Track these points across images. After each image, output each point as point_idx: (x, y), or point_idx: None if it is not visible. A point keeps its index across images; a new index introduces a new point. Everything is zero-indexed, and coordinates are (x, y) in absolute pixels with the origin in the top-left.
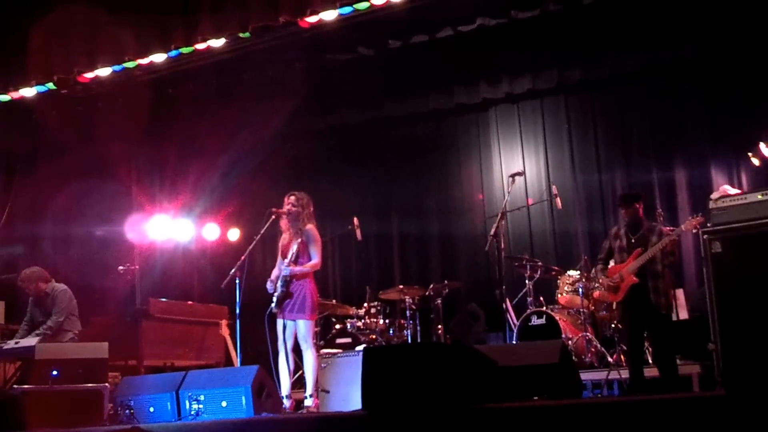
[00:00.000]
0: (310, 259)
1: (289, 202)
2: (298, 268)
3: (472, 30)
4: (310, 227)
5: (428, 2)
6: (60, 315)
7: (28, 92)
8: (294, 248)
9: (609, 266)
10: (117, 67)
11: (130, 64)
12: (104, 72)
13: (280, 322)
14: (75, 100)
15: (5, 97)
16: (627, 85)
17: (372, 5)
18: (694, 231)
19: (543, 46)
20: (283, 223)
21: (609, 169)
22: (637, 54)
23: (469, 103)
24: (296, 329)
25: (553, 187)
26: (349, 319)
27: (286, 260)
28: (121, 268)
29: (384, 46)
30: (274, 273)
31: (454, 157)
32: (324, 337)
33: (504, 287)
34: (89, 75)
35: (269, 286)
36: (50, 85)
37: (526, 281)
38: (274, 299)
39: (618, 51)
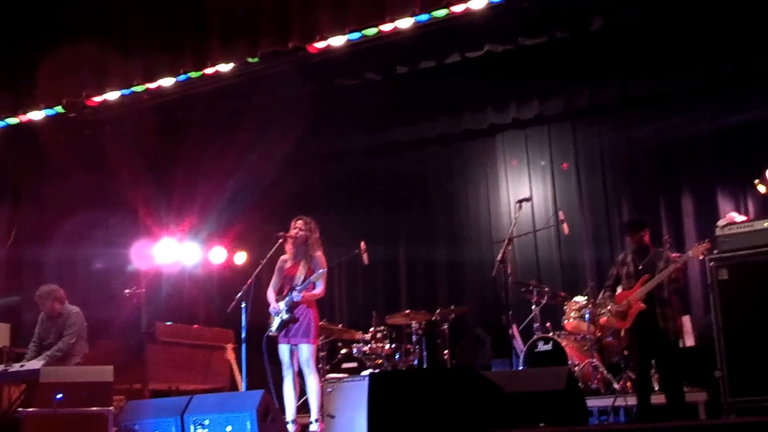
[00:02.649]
0: (315, 287)
1: (296, 226)
2: (308, 295)
3: (479, 56)
4: (319, 255)
5: (436, 28)
6: (71, 337)
7: (37, 115)
8: (302, 275)
9: (616, 293)
10: (126, 91)
11: (138, 88)
12: (113, 96)
13: (283, 348)
14: (83, 124)
15: (14, 120)
16: (634, 111)
17: (380, 31)
18: (701, 257)
19: (550, 72)
20: (288, 246)
21: (616, 194)
22: (644, 80)
23: (477, 129)
24: (299, 353)
25: (560, 213)
26: (355, 344)
27: (297, 287)
28: (127, 291)
29: (392, 71)
30: (271, 294)
31: (460, 182)
32: (330, 361)
33: (510, 313)
34: (98, 99)
35: (273, 309)
36: (59, 109)
37: (533, 307)
38: (276, 323)
39: (625, 77)
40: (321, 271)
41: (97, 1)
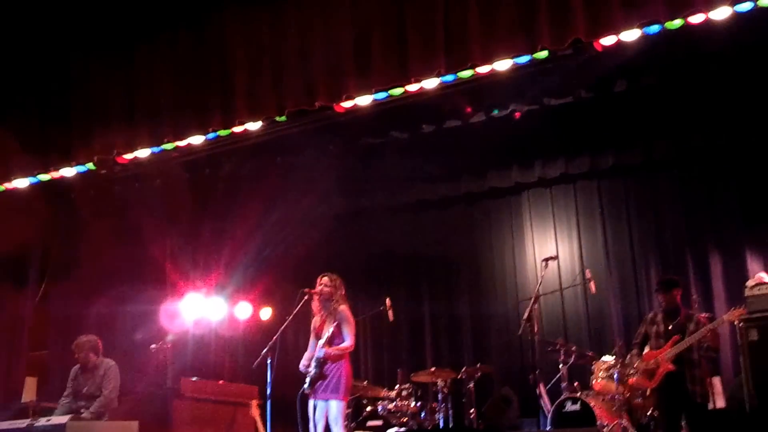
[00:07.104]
0: (343, 341)
1: (322, 282)
2: (332, 350)
3: (505, 115)
4: (344, 308)
5: (461, 89)
6: (113, 392)
7: (68, 172)
8: (329, 330)
9: (645, 351)
10: (156, 149)
11: (168, 146)
12: (143, 153)
13: (311, 403)
14: (113, 180)
15: (45, 176)
16: (659, 170)
17: (406, 91)
18: (736, 322)
19: (575, 132)
20: (315, 304)
21: (642, 253)
22: (669, 140)
23: (502, 187)
24: (328, 410)
25: (587, 272)
26: (380, 402)
27: (321, 342)
28: (153, 346)
29: (417, 130)
30: (308, 354)
31: (486, 241)
32: (355, 419)
33: (537, 371)
34: (128, 156)
35: (302, 366)
36: (90, 166)
37: (560, 366)
38: (308, 380)
39: (650, 137)
40: (333, 322)
41: (126, 61)
